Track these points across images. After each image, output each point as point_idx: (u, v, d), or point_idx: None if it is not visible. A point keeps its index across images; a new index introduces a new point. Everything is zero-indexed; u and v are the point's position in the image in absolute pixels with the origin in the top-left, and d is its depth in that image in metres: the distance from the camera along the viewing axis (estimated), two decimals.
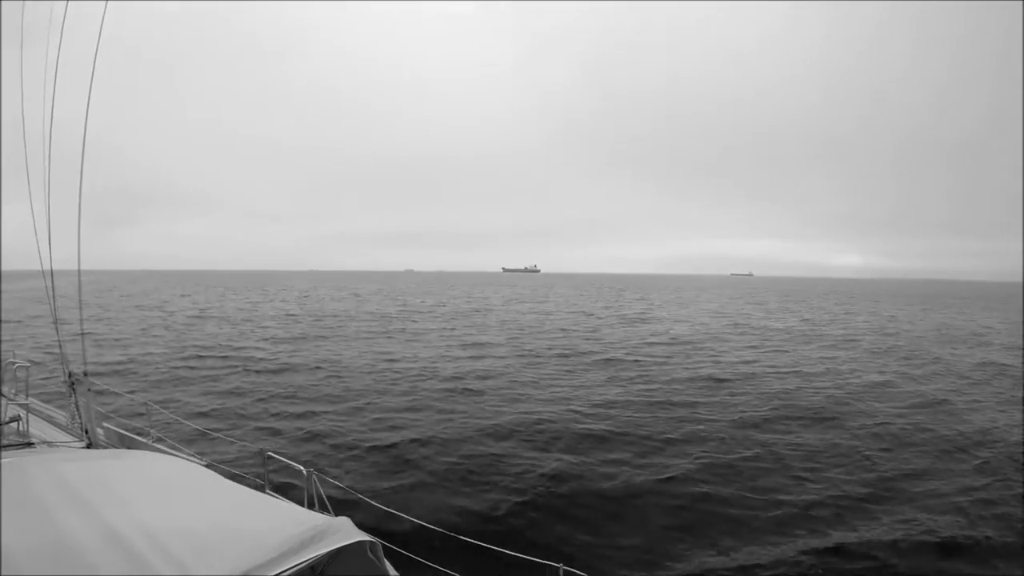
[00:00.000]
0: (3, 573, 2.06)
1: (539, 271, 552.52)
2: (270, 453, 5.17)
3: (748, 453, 10.50)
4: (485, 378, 17.29)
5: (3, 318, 33.78)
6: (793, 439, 11.51)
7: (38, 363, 15.78)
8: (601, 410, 13.40)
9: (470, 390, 15.38)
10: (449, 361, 20.45)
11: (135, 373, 17.36)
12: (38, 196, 4.97)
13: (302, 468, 4.59)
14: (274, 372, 17.91)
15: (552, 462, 9.67)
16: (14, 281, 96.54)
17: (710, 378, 17.96)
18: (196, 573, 2.15)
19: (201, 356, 20.82)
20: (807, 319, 43.96)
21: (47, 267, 5.18)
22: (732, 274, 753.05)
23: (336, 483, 5.52)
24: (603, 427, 11.92)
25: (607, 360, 21.20)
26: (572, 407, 13.60)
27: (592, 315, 44.66)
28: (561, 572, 3.45)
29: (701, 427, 12.14)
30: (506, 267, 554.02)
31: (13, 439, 4.97)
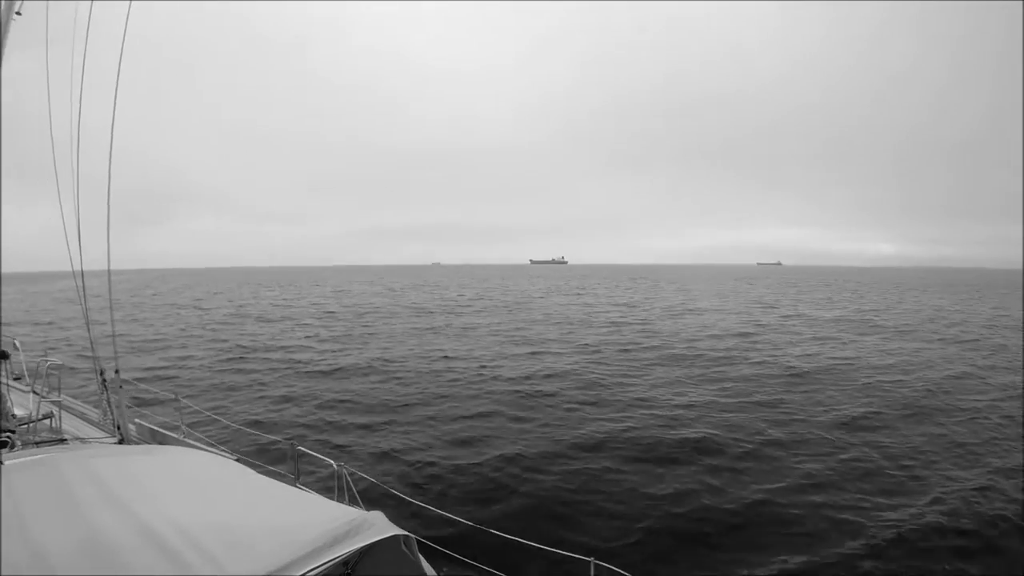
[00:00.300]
0: (38, 571, 2.03)
1: (566, 263, 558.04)
2: (300, 448, 5.29)
3: (857, 454, 9.78)
4: (551, 377, 16.08)
5: (37, 320, 34.49)
6: (900, 437, 10.78)
7: (72, 367, 15.65)
8: (687, 412, 12.30)
9: (541, 392, 14.11)
10: (507, 359, 19.24)
11: (178, 378, 16.59)
12: (67, 198, 4.98)
13: (332, 462, 4.72)
14: (325, 374, 16.91)
15: (665, 478, 8.66)
16: (46, 282, 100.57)
17: (785, 372, 16.92)
18: (230, 568, 2.08)
19: (245, 358, 20.03)
20: (859, 308, 42.46)
21: (77, 267, 5.14)
22: (759, 263, 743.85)
23: (366, 476, 5.56)
24: (698, 432, 10.80)
25: (671, 356, 19.97)
26: (656, 411, 12.41)
27: (635, 307, 43.22)
28: (592, 565, 3.47)
29: (797, 427, 11.29)
30: (534, 259, 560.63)
31: (46, 435, 5.08)
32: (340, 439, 10.59)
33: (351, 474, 4.69)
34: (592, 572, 3.50)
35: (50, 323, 32.32)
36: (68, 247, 5.10)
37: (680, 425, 11.25)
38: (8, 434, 4.38)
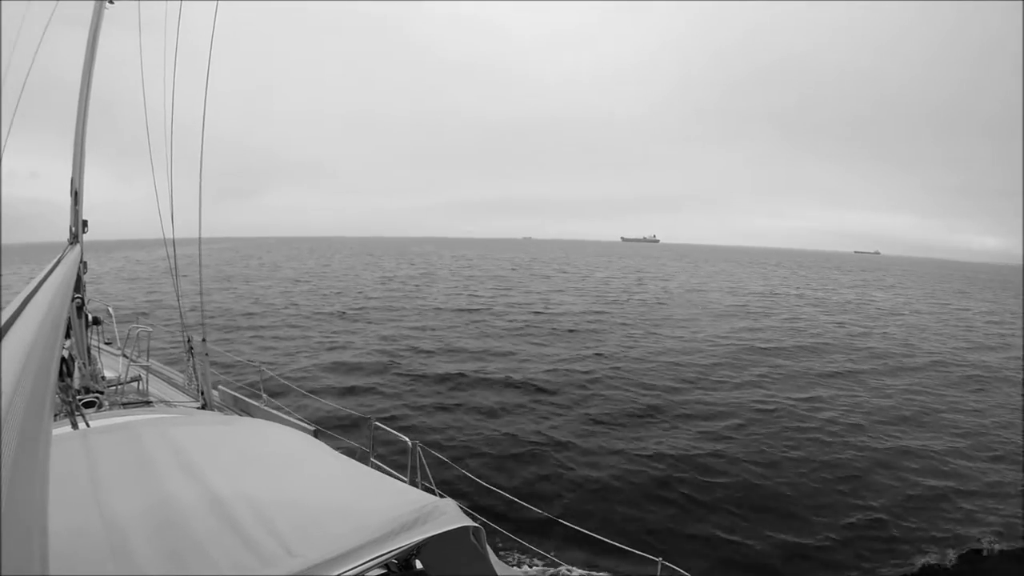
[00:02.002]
0: (105, 531, 2.07)
1: (658, 241, 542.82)
2: (377, 423, 5.39)
3: None
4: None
5: (142, 286, 35.97)
6: None
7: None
8: None
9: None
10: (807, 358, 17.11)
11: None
12: (160, 175, 5.20)
13: (407, 440, 4.79)
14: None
15: None
16: (144, 250, 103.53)
17: None
18: (296, 548, 2.09)
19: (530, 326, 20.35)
20: None
21: (169, 236, 5.43)
22: (856, 251, 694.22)
23: (440, 456, 5.59)
24: None
25: (973, 377, 16.50)
26: None
27: (821, 302, 36.47)
28: (660, 565, 3.51)
29: None
30: (625, 236, 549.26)
31: (133, 397, 5.30)
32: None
33: (425, 453, 4.71)
34: (659, 571, 3.54)
35: (150, 293, 32.39)
36: (160, 218, 5.40)
37: None
38: (96, 395, 4.66)
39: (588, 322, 23.63)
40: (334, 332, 20.13)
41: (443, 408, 11.44)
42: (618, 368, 15.31)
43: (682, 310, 29.15)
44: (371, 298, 30.77)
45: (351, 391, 12.54)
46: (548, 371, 14.61)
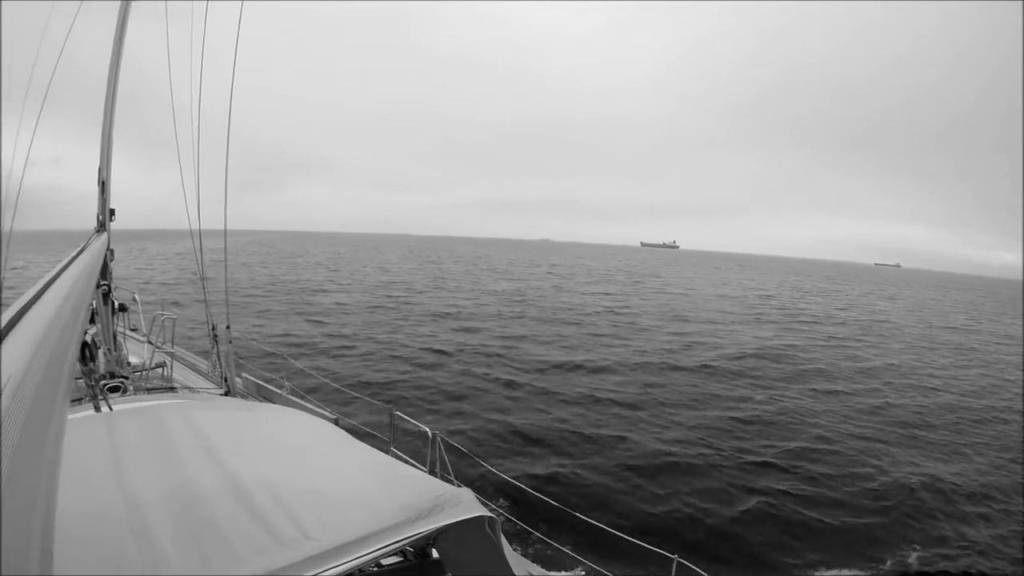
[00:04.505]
0: (127, 510, 2.10)
1: (677, 247, 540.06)
2: (398, 412, 5.49)
3: None
4: None
5: (164, 281, 35.52)
6: None
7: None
8: None
9: None
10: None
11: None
12: (187, 166, 5.30)
13: (427, 430, 4.83)
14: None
15: None
16: (170, 242, 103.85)
17: None
18: (312, 533, 2.12)
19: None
20: None
21: (195, 227, 5.53)
22: (876, 264, 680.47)
23: (459, 447, 5.60)
24: None
25: None
26: None
27: (877, 321, 35.52)
28: (675, 563, 3.52)
29: None
30: (644, 241, 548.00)
31: (158, 383, 5.37)
32: None
33: (444, 443, 4.73)
34: (674, 570, 3.54)
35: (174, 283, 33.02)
36: (187, 210, 5.51)
37: None
38: (122, 380, 4.73)
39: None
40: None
41: None
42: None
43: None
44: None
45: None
46: None
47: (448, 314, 25.39)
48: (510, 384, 13.74)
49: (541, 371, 15.33)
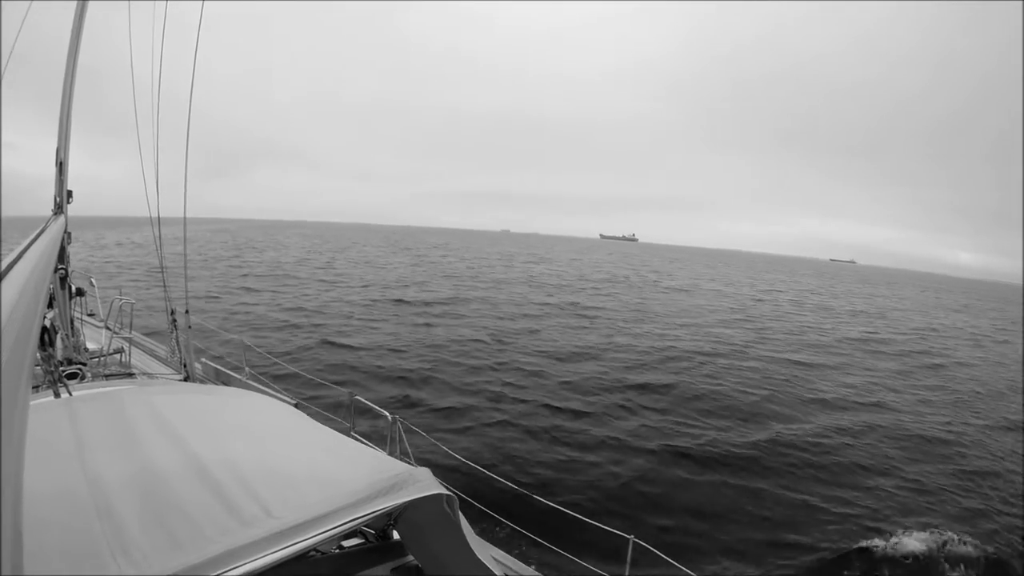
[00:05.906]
0: (90, 494, 2.12)
1: (636, 240, 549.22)
2: (358, 398, 5.49)
3: None
4: None
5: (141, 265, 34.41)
6: None
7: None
8: None
9: None
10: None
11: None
12: (146, 149, 5.17)
13: (387, 414, 4.85)
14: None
15: None
16: (130, 229, 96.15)
17: None
18: (275, 511, 2.16)
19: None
20: None
21: (155, 215, 5.37)
22: (831, 259, 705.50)
23: (420, 432, 5.64)
24: None
25: None
26: None
27: (858, 314, 36.66)
28: (631, 543, 3.57)
29: None
30: (604, 234, 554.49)
31: (116, 369, 5.29)
32: None
33: (404, 428, 4.78)
34: (630, 550, 3.60)
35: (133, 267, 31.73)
36: (147, 196, 5.27)
37: None
38: (79, 366, 4.61)
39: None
40: None
41: None
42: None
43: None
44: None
45: None
46: None
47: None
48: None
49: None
